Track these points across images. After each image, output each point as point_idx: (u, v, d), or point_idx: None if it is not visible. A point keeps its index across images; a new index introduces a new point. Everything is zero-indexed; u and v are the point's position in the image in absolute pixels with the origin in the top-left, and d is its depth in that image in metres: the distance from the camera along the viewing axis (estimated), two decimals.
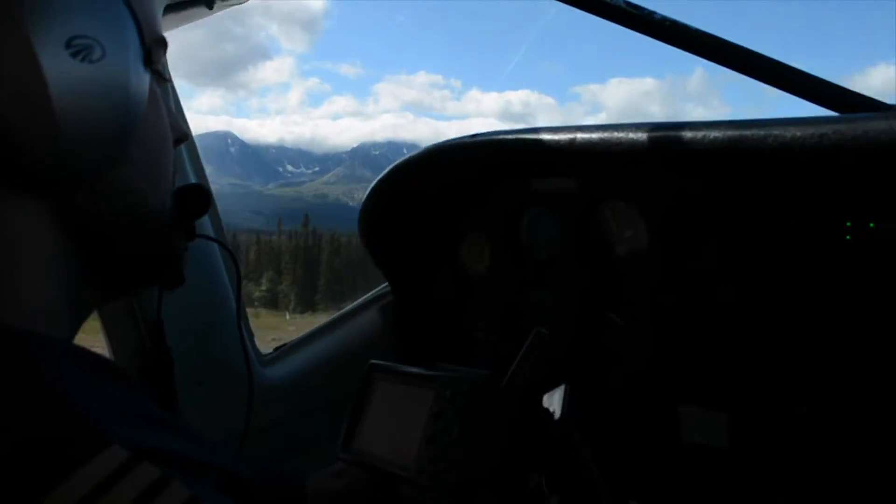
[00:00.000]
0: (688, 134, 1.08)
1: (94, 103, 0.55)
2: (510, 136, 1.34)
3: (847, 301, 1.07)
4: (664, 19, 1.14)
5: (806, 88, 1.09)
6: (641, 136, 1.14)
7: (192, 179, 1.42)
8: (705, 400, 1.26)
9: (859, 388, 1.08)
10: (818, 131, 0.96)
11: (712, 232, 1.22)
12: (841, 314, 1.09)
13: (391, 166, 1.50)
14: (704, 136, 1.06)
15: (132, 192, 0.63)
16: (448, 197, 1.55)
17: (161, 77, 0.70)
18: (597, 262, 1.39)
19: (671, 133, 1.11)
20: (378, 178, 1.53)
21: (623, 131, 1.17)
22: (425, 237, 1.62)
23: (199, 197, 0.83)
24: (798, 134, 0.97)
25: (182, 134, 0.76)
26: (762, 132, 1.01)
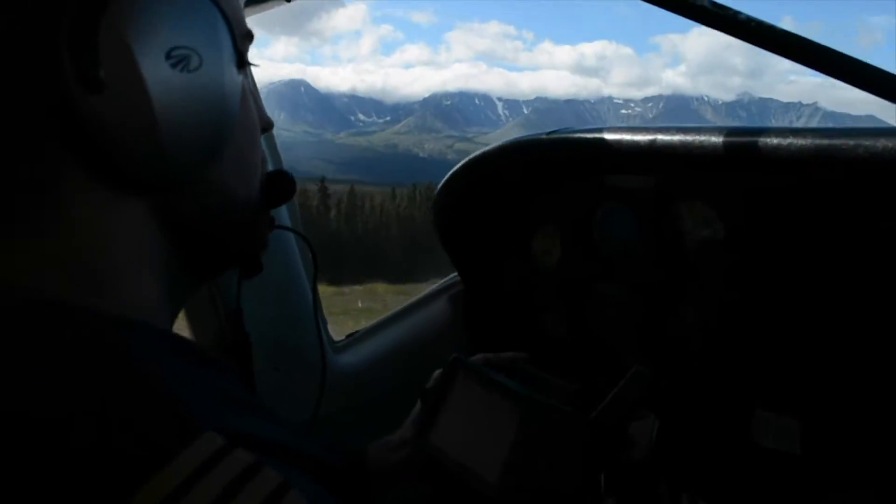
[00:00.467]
0: (773, 140, 1.06)
1: (192, 110, 0.57)
2: (588, 136, 1.33)
3: None
4: (749, 20, 1.10)
5: None
6: (724, 140, 1.12)
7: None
8: (777, 403, 1.24)
9: None
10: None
11: (792, 233, 1.19)
12: None
13: (466, 159, 1.51)
14: (791, 144, 1.04)
15: (223, 188, 0.66)
16: (521, 189, 1.55)
17: (248, 66, 0.71)
18: (670, 258, 1.38)
19: (755, 139, 1.09)
20: (453, 169, 1.54)
21: (706, 135, 1.15)
22: (497, 228, 1.63)
23: (284, 184, 0.85)
24: (890, 145, 0.94)
25: (268, 123, 0.78)
26: (851, 142, 0.98)
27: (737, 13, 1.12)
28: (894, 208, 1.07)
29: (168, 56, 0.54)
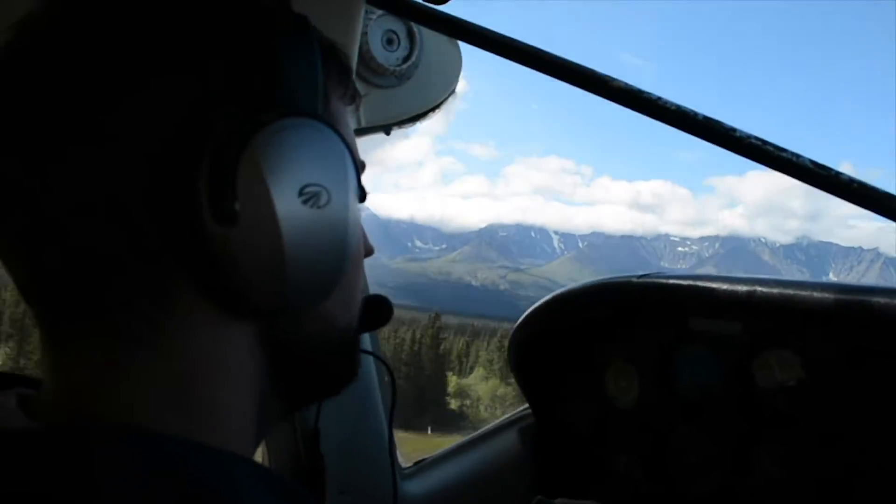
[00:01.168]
0: (880, 300, 1.05)
1: (318, 244, 0.58)
2: (680, 282, 1.34)
3: None
4: (851, 181, 1.13)
5: None
6: (827, 296, 1.12)
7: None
8: None
9: None
10: None
11: (883, 390, 1.17)
12: None
13: (549, 296, 1.52)
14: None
15: (328, 316, 0.67)
16: (600, 327, 1.55)
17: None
18: (753, 406, 1.35)
19: (859, 297, 1.08)
20: (534, 305, 1.55)
21: (808, 290, 1.15)
22: (572, 365, 1.61)
23: (382, 310, 0.85)
24: None
25: (370, 249, 0.79)
26: None
27: (798, 156, 1.14)
28: None
29: (301, 193, 0.56)
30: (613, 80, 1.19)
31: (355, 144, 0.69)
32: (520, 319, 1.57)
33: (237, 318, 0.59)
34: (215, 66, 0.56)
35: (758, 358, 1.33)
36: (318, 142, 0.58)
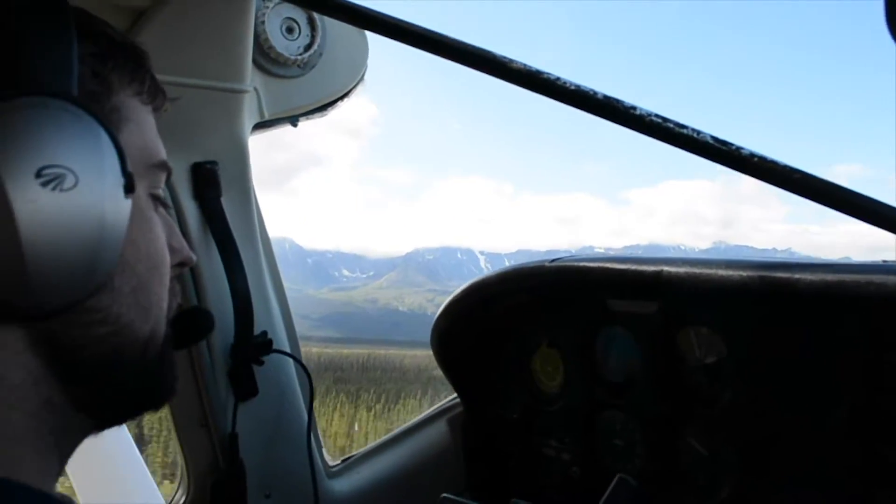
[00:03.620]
0: (782, 275, 1.05)
1: (66, 232, 0.54)
2: (592, 265, 1.33)
3: None
4: (752, 154, 1.12)
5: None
6: (732, 274, 1.11)
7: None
8: None
9: None
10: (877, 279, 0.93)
11: (801, 362, 1.17)
12: None
13: (466, 284, 1.50)
14: (800, 280, 1.03)
15: (114, 321, 0.61)
16: (522, 313, 1.54)
17: (160, 202, 0.68)
18: (676, 386, 1.35)
19: (764, 273, 1.08)
20: (452, 294, 1.53)
21: (713, 268, 1.15)
22: (497, 351, 1.60)
23: (200, 322, 0.80)
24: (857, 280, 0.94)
25: (185, 258, 0.74)
26: (862, 279, 0.97)
27: (699, 132, 1.13)
28: None
29: (38, 174, 0.52)
30: (513, 61, 1.16)
31: (143, 139, 0.65)
32: (440, 309, 1.55)
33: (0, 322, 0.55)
34: None
35: (677, 336, 1.33)
36: (64, 123, 0.54)
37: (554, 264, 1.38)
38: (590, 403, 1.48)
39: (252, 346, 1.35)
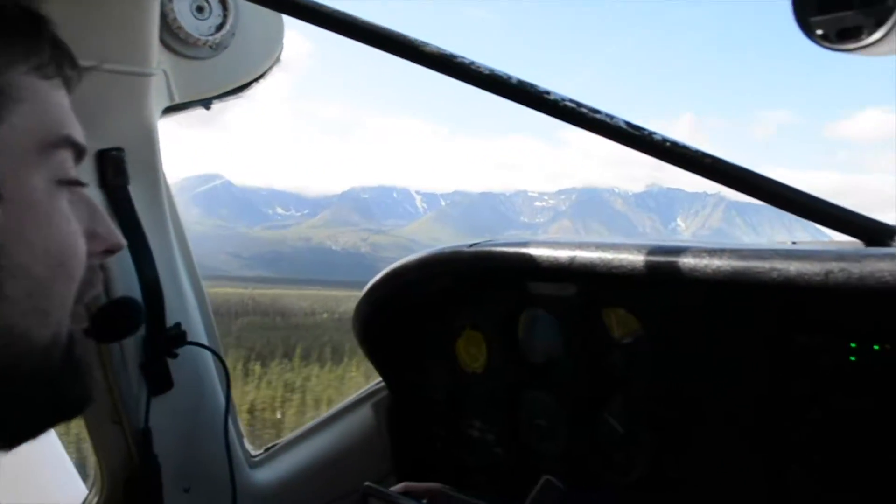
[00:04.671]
0: (689, 261, 1.07)
1: None
2: (509, 250, 1.33)
3: (851, 420, 1.05)
4: (664, 139, 1.13)
5: (817, 213, 1.09)
6: (641, 258, 1.13)
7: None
8: None
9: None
10: (824, 268, 0.95)
11: (714, 343, 1.20)
12: (844, 434, 1.06)
13: (387, 269, 1.49)
14: (707, 265, 1.05)
15: (7, 333, 0.57)
16: (444, 297, 1.53)
17: (76, 184, 0.63)
18: (595, 366, 1.37)
19: (672, 258, 1.10)
20: (373, 280, 1.51)
21: (623, 253, 1.16)
22: (421, 334, 1.60)
23: (124, 316, 0.75)
24: (803, 270, 0.96)
25: (112, 244, 0.69)
26: (766, 265, 1.00)
27: (651, 133, 1.15)
28: (809, 323, 1.09)
29: None
30: (426, 44, 1.15)
31: (51, 121, 0.60)
32: (362, 293, 1.53)
33: None
34: None
35: (596, 317, 1.35)
36: None
37: (472, 250, 1.38)
38: (513, 384, 1.50)
39: (165, 339, 1.31)
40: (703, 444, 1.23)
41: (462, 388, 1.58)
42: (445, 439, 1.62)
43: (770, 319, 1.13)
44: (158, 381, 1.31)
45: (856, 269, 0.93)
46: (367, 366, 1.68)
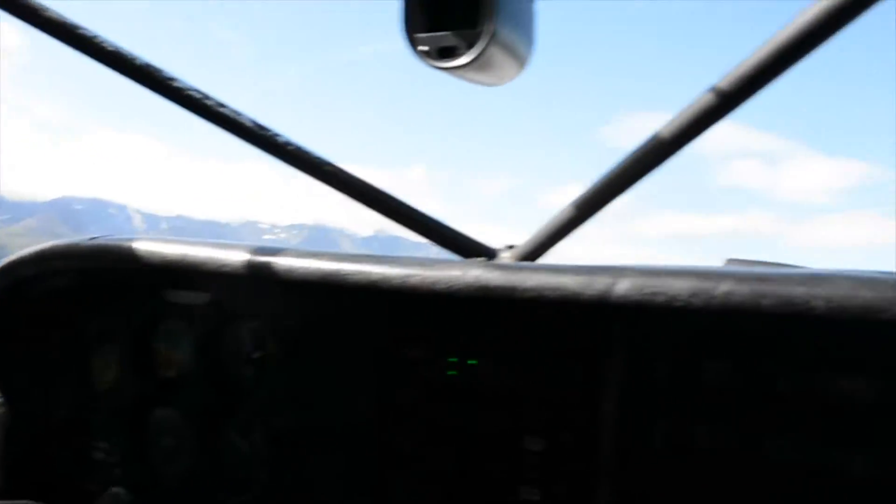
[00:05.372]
0: (288, 261, 1.07)
1: None
2: (140, 246, 1.26)
3: (454, 429, 1.09)
4: (288, 142, 1.14)
5: (421, 227, 1.15)
6: (276, 261, 1.11)
7: None
8: None
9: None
10: (403, 272, 0.99)
11: (332, 354, 1.22)
12: (449, 443, 1.10)
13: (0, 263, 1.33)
14: (305, 268, 1.06)
15: None
16: (73, 303, 1.41)
17: None
18: (226, 382, 1.32)
19: (307, 264, 1.09)
20: None
21: (260, 256, 1.15)
22: (45, 344, 1.45)
23: None
24: (385, 273, 0.99)
25: None
26: (353, 268, 1.02)
27: (239, 113, 1.15)
28: (414, 338, 1.13)
29: None
30: (47, 9, 1.08)
31: None
32: None
33: None
34: None
35: (230, 329, 1.31)
36: None
37: (91, 242, 1.28)
38: (143, 400, 1.41)
39: None
40: (318, 455, 1.22)
41: (91, 407, 1.45)
42: (67, 461, 1.47)
43: (382, 332, 1.16)
44: None
45: (430, 274, 0.98)
46: None
